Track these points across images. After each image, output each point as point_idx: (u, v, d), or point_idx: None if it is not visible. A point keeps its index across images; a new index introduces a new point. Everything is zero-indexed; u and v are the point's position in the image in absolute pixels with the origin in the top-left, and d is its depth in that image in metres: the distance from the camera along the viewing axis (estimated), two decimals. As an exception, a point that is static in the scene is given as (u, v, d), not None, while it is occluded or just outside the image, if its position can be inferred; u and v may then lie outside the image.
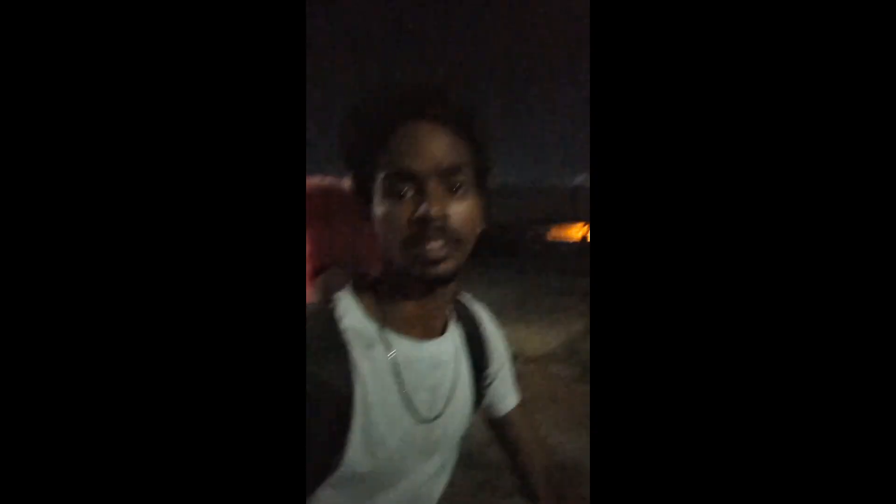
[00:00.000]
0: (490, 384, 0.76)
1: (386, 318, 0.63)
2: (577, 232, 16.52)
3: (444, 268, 0.56)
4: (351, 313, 0.62)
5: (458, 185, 0.57)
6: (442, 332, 0.68)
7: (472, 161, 0.58)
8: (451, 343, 0.68)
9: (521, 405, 0.81)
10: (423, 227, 0.54)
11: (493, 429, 0.81)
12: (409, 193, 0.55)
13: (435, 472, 0.68)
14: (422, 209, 0.54)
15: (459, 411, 0.69)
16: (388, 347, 0.61)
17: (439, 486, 0.70)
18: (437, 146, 0.55)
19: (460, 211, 0.56)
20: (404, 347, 0.63)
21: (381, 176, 0.56)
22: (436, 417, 0.65)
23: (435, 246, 0.55)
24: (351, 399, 0.57)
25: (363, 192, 0.60)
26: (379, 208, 0.57)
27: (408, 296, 0.63)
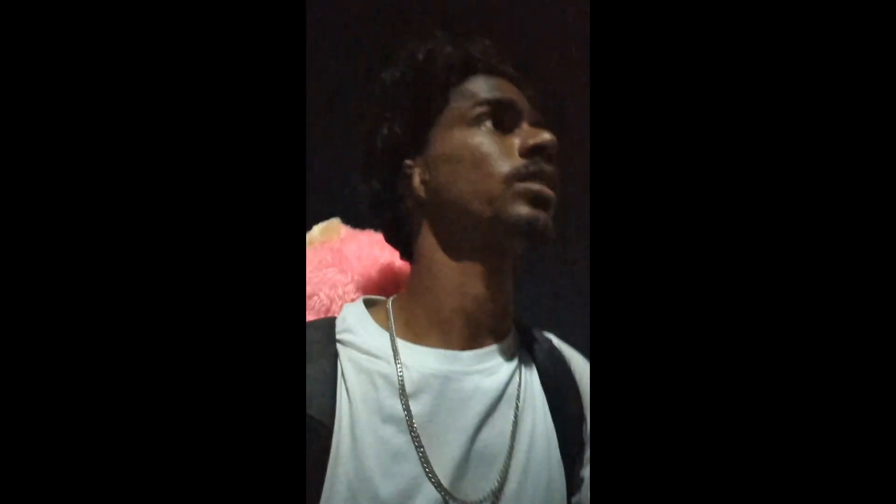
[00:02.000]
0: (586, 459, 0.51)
1: (410, 324, 0.47)
2: None
3: (550, 214, 0.47)
4: (353, 318, 0.49)
5: (552, 136, 0.49)
6: (498, 341, 0.49)
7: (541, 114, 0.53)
8: (515, 358, 0.49)
9: None
10: (533, 158, 0.47)
11: None
12: (504, 127, 0.48)
13: None
14: (538, 134, 0.47)
15: (535, 487, 0.45)
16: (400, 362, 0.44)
17: None
18: (518, 93, 0.50)
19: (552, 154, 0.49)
20: (429, 360, 0.45)
21: (461, 115, 0.48)
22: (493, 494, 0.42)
23: (548, 176, 0.47)
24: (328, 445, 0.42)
25: (389, 201, 0.51)
26: (464, 146, 0.47)
27: (469, 276, 0.47)
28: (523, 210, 0.46)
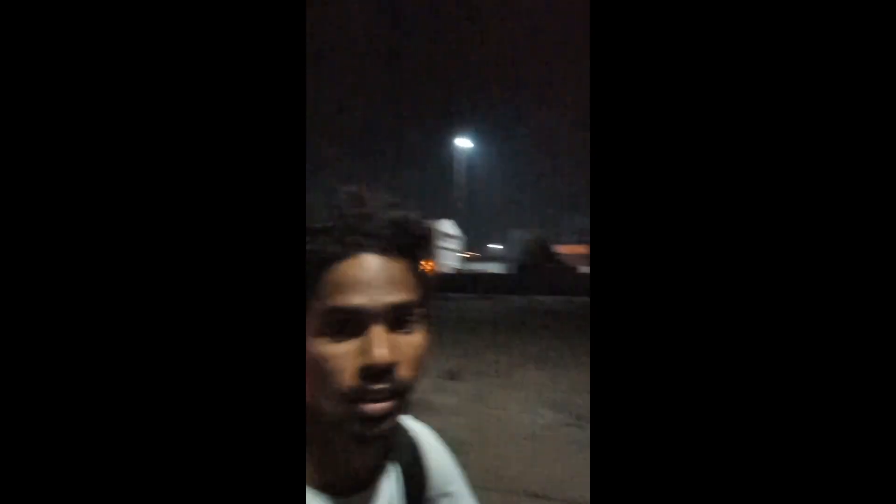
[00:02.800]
0: None
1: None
2: None
3: (387, 425, 0.46)
4: None
5: (408, 321, 0.47)
6: (369, 482, 0.55)
7: (423, 292, 0.49)
8: (385, 494, 0.55)
9: None
10: (367, 379, 0.44)
11: None
12: (349, 335, 0.45)
13: None
14: (371, 353, 0.44)
15: None
16: None
17: None
18: (387, 281, 0.46)
19: (409, 353, 0.47)
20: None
21: (313, 313, 0.45)
22: None
23: (379, 399, 0.45)
24: None
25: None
26: (312, 348, 0.45)
27: (332, 453, 0.51)
28: (354, 428, 0.46)
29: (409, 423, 0.64)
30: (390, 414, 0.46)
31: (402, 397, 0.47)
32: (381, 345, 0.44)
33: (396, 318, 0.46)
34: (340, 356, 0.45)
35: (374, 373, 0.44)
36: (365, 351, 0.44)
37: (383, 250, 0.46)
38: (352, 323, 0.45)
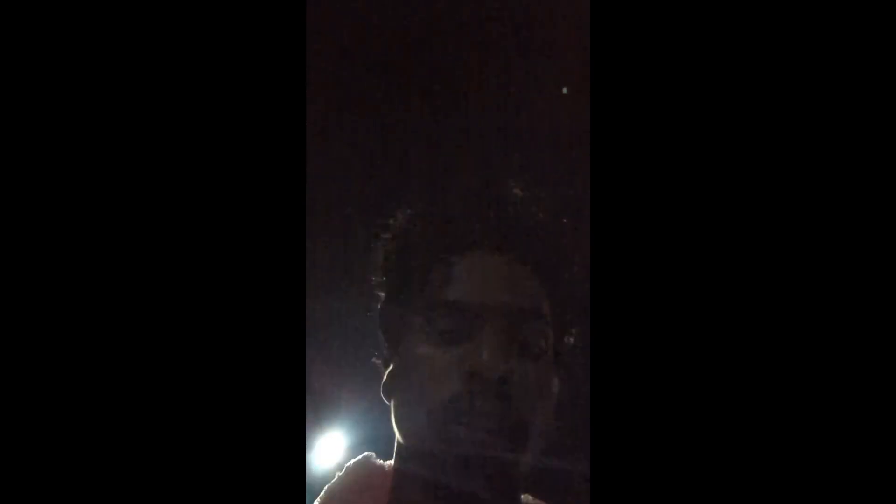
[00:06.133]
0: None
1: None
2: None
3: (499, 460, 0.34)
4: None
5: (531, 339, 0.37)
6: None
7: (552, 312, 0.39)
8: None
9: None
10: (470, 395, 0.34)
11: None
12: (458, 339, 0.36)
13: None
14: (478, 357, 0.35)
15: None
16: None
17: None
18: (505, 281, 0.37)
19: (529, 374, 0.36)
20: None
21: (415, 313, 0.38)
22: None
23: (484, 427, 0.34)
24: None
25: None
26: (413, 354, 0.37)
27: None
28: (456, 451, 0.34)
29: None
30: (497, 460, 0.34)
31: (516, 428, 0.34)
32: (492, 348, 0.34)
33: (516, 331, 0.37)
34: (443, 360, 0.36)
35: (481, 383, 0.34)
36: (470, 357, 0.35)
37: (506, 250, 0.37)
38: (460, 326, 0.36)
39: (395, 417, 0.40)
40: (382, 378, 0.41)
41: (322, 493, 0.43)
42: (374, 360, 0.44)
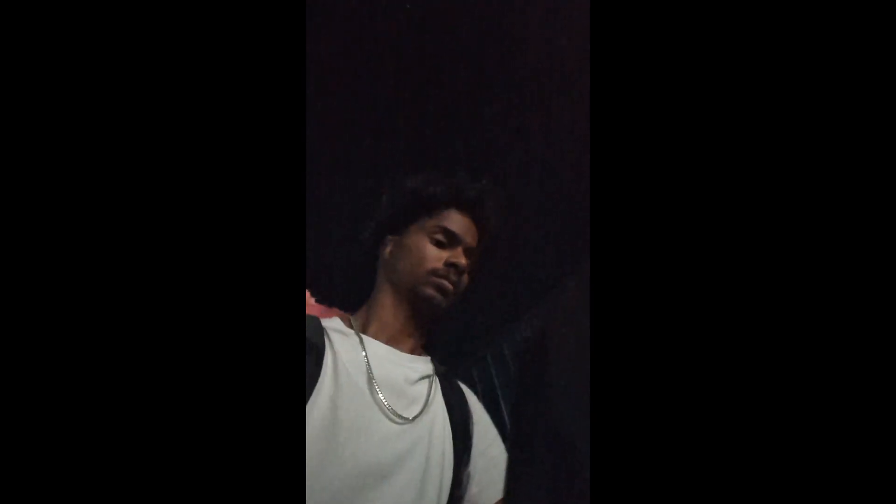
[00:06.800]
0: (472, 465, 0.76)
1: (366, 328, 0.79)
2: None
3: (445, 301, 0.78)
4: (334, 321, 0.79)
5: (472, 258, 0.81)
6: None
7: (480, 247, 0.84)
8: (428, 368, 0.80)
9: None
10: (449, 269, 0.78)
11: None
12: (443, 245, 0.80)
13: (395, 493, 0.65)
14: (459, 258, 0.79)
15: (438, 435, 0.73)
16: (364, 349, 0.74)
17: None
18: (470, 229, 0.82)
19: (466, 275, 0.82)
20: (382, 351, 0.76)
21: (423, 227, 0.81)
22: (413, 418, 0.71)
23: (452, 282, 0.78)
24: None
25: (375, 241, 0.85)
26: (417, 244, 0.80)
27: (397, 312, 0.79)
28: (429, 292, 0.78)
29: (461, 384, 0.85)
30: (447, 293, 0.78)
31: (455, 292, 0.79)
32: (461, 256, 0.80)
33: (468, 253, 0.82)
34: (439, 252, 0.80)
35: (455, 266, 0.78)
36: (452, 256, 0.79)
37: (468, 210, 0.83)
38: (448, 241, 0.80)
39: (387, 269, 0.83)
40: (385, 246, 0.85)
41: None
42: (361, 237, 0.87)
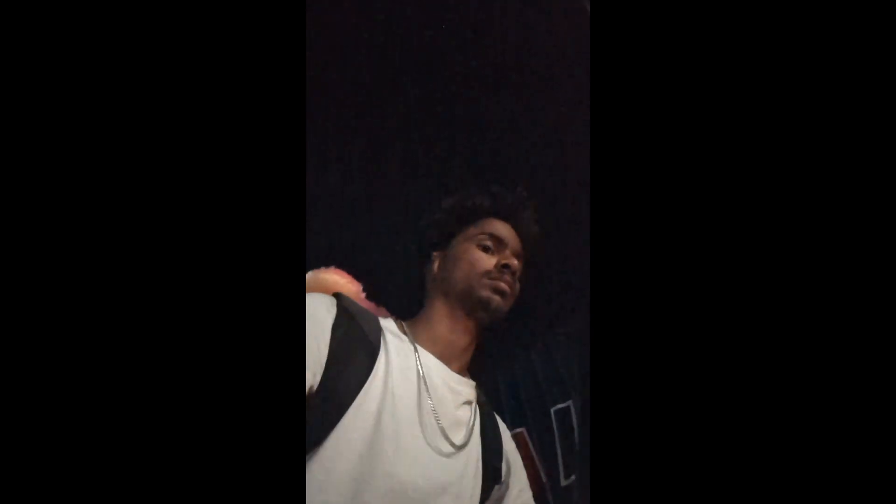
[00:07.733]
0: (501, 488, 0.79)
1: (417, 339, 0.77)
2: None
3: (504, 302, 0.77)
4: (389, 322, 0.78)
5: (520, 262, 0.81)
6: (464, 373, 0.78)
7: (525, 254, 0.84)
8: (471, 394, 0.78)
9: None
10: (502, 270, 0.77)
11: None
12: (491, 250, 0.80)
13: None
14: (510, 259, 0.79)
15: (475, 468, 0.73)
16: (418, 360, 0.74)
17: None
18: (513, 235, 0.83)
19: (518, 271, 0.81)
20: (433, 363, 0.75)
21: (468, 237, 0.81)
22: (459, 447, 0.70)
23: (507, 282, 0.77)
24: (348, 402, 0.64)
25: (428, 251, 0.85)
26: (466, 252, 0.80)
27: (452, 324, 0.78)
28: (486, 294, 0.77)
29: (497, 416, 0.85)
30: (504, 294, 0.77)
31: (512, 295, 0.78)
32: (512, 258, 0.79)
33: (515, 254, 0.82)
34: (489, 258, 0.79)
35: (507, 267, 0.78)
36: (503, 258, 0.78)
37: (506, 218, 0.84)
38: (495, 246, 0.81)
39: (438, 283, 0.81)
40: (433, 262, 0.84)
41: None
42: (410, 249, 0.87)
